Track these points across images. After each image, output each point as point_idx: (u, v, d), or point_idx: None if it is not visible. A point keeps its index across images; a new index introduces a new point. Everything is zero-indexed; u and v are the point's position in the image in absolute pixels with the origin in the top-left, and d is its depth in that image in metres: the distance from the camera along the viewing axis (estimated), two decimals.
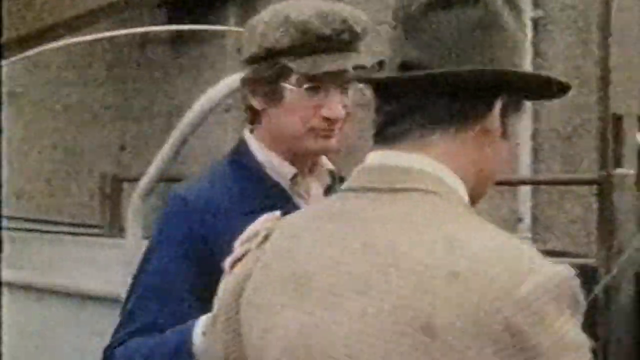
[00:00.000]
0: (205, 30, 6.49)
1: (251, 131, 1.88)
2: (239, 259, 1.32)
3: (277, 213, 1.34)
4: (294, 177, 1.83)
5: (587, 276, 3.64)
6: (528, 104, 6.01)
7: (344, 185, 1.22)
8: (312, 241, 1.16)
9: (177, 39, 7.04)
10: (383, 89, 1.19)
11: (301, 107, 1.77)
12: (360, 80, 1.33)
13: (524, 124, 5.77)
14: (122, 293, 3.18)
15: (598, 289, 3.51)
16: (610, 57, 4.47)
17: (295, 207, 1.78)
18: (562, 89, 1.20)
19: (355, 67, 1.46)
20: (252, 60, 1.78)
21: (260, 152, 1.84)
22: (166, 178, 3.21)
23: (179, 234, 1.77)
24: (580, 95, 5.70)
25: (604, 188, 3.62)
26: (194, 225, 1.76)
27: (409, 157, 1.14)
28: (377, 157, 1.18)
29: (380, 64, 1.21)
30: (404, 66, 1.15)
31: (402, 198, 1.12)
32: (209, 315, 1.59)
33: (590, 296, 3.51)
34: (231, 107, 5.93)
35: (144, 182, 3.03)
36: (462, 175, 1.16)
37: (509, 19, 1.16)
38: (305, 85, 1.75)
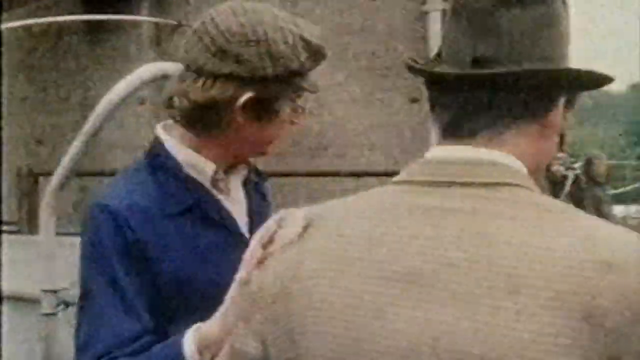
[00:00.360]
0: (121, 20, 6.44)
1: (164, 127, 1.86)
2: (263, 259, 1.27)
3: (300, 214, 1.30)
4: (215, 173, 1.83)
5: None
6: None
7: (403, 177, 1.22)
8: (406, 238, 1.13)
9: (94, 28, 6.96)
10: (449, 84, 1.20)
11: (287, 122, 1.82)
12: (425, 74, 1.25)
13: None
14: (39, 292, 3.19)
15: None
16: None
17: (217, 203, 1.84)
18: (602, 82, 1.24)
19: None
20: (261, 78, 1.71)
21: (179, 150, 1.82)
22: (81, 172, 3.16)
23: (115, 247, 1.71)
24: None
25: None
26: (126, 233, 1.71)
27: (489, 152, 1.16)
28: (452, 151, 1.19)
29: (439, 55, 1.25)
30: (476, 62, 1.17)
31: (501, 192, 1.12)
32: (196, 329, 1.63)
33: None
34: (146, 99, 5.93)
35: (56, 176, 2.98)
36: (526, 168, 1.19)
37: (564, 14, 1.22)
38: (299, 104, 1.80)
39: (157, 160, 1.82)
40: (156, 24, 6.48)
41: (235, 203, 1.89)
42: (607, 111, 59.31)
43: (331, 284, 1.14)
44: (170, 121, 1.85)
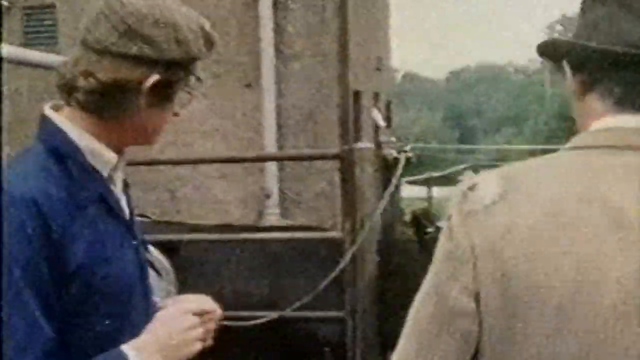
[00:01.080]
0: None
1: (54, 109, 1.75)
2: None
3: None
4: (117, 164, 1.78)
5: (334, 249, 3.74)
6: (272, 81, 6.05)
7: (587, 143, 1.36)
8: (611, 194, 1.28)
9: None
10: (622, 62, 1.34)
11: (174, 109, 1.80)
12: (599, 52, 1.37)
13: (268, 100, 5.84)
14: None
15: (345, 261, 3.61)
16: (349, 34, 4.58)
17: (115, 196, 1.78)
18: None
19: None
20: (167, 61, 1.71)
21: (79, 137, 1.73)
22: None
23: (28, 238, 1.60)
24: (321, 71, 5.85)
25: (345, 162, 3.72)
26: (37, 223, 1.61)
27: None
28: (631, 120, 1.34)
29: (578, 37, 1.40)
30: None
31: None
32: (132, 344, 1.65)
33: (338, 268, 3.61)
34: None
35: None
36: None
37: None
38: (193, 93, 1.80)
39: (55, 145, 1.72)
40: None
41: (120, 197, 1.83)
42: (429, 97, 61.36)
43: (550, 243, 1.27)
44: (57, 102, 1.76)
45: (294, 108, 5.96)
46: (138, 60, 1.68)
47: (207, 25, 1.78)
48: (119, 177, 1.83)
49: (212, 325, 1.79)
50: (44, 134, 1.74)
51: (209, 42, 1.79)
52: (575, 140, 1.38)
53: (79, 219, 1.68)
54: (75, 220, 1.67)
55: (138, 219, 1.88)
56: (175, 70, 1.73)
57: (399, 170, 3.83)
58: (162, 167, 5.64)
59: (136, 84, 1.69)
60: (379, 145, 3.96)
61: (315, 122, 5.90)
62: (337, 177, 5.12)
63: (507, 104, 51.34)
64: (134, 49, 1.68)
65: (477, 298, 1.32)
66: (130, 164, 5.09)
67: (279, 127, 5.93)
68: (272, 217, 5.88)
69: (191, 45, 1.73)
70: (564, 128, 32.46)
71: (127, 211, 1.84)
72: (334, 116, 5.63)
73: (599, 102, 1.38)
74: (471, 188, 1.36)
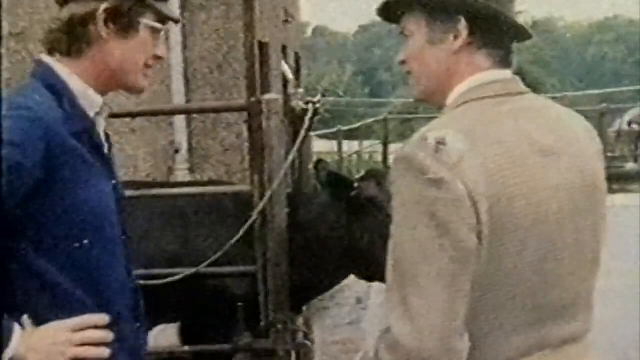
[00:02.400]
0: None
1: (57, 54, 1.96)
2: None
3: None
4: (102, 106, 2.00)
5: (243, 203, 3.71)
6: (178, 33, 5.92)
7: (486, 93, 1.72)
8: (529, 130, 1.69)
9: None
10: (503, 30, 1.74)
11: (148, 44, 2.00)
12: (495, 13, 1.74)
13: (175, 53, 5.72)
14: None
15: (254, 215, 3.58)
16: None
17: (98, 135, 1.99)
18: None
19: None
20: None
21: (72, 80, 1.95)
22: None
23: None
24: (227, 22, 5.75)
25: (253, 115, 3.66)
26: (43, 141, 1.80)
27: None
28: (508, 74, 1.77)
29: None
30: None
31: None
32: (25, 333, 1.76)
33: (248, 222, 3.57)
34: None
35: None
36: None
37: None
38: (159, 26, 2.00)
39: (52, 83, 1.93)
40: None
41: (103, 140, 2.03)
42: (339, 51, 61.35)
43: (511, 177, 1.61)
44: (80, 54, 1.97)
45: (202, 60, 5.86)
46: None
47: None
48: (101, 123, 2.01)
49: (95, 335, 1.86)
50: (40, 74, 1.95)
51: None
52: (477, 90, 1.72)
53: (68, 144, 1.85)
54: (66, 144, 1.85)
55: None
56: (129, 0, 1.93)
57: (307, 121, 3.79)
58: None
59: (91, 16, 1.91)
60: (287, 97, 3.89)
61: (222, 74, 5.82)
62: (245, 131, 5.08)
63: None
64: None
65: (479, 235, 1.57)
66: None
67: (187, 80, 5.83)
68: (182, 172, 5.80)
69: None
70: None
71: (107, 152, 2.03)
72: (241, 68, 5.55)
73: (488, 59, 1.73)
74: (441, 142, 1.58)
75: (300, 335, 3.79)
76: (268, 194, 3.55)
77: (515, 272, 1.62)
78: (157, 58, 2.03)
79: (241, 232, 3.53)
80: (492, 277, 1.61)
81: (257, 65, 4.04)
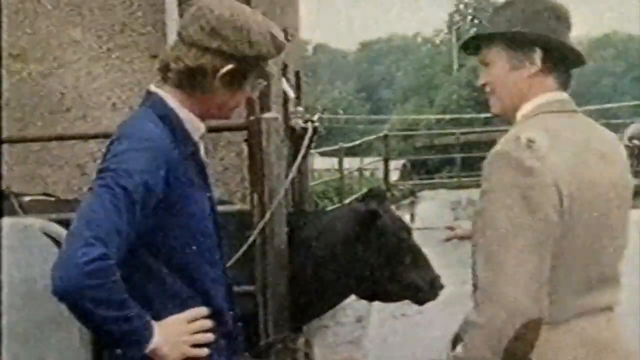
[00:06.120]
0: None
1: (156, 86, 2.31)
2: None
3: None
4: (204, 132, 2.36)
5: (243, 222, 3.70)
6: None
7: (553, 108, 2.18)
8: (585, 139, 2.15)
9: None
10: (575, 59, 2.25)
11: (248, 93, 2.36)
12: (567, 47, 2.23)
13: None
14: None
15: (254, 235, 3.57)
16: (252, 3, 4.50)
17: (201, 156, 2.36)
18: None
19: None
20: (241, 58, 2.26)
21: (179, 108, 2.29)
22: None
23: (143, 178, 2.10)
24: None
25: (252, 133, 3.67)
26: (162, 160, 2.16)
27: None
28: (565, 95, 2.23)
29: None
30: None
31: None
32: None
33: (247, 241, 3.56)
34: None
35: None
36: None
37: None
38: (263, 83, 2.36)
39: (164, 112, 2.26)
40: None
41: (204, 159, 2.40)
42: (341, 68, 61.43)
43: (581, 174, 2.07)
44: (158, 82, 2.32)
45: None
46: (217, 53, 2.23)
47: (275, 30, 2.30)
48: (202, 144, 2.38)
49: (205, 324, 2.23)
50: (152, 104, 2.28)
51: (277, 43, 2.30)
52: (547, 105, 2.18)
53: (181, 167, 2.21)
54: (179, 167, 2.20)
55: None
56: (246, 64, 2.26)
57: (307, 140, 3.79)
58: (71, 143, 5.50)
59: (213, 71, 2.24)
60: (287, 116, 3.90)
61: None
62: (245, 149, 5.06)
63: (416, 74, 51.89)
64: (214, 44, 2.23)
65: (560, 214, 2.01)
66: (39, 140, 4.91)
67: None
68: None
69: (260, 45, 2.26)
70: (473, 97, 33.00)
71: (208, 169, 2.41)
72: None
73: (554, 82, 2.20)
74: (531, 140, 2.02)
75: (301, 354, 3.78)
76: (268, 213, 3.55)
77: (578, 244, 2.06)
78: (249, 99, 2.49)
79: (241, 251, 3.52)
80: (562, 249, 2.03)
81: None
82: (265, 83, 2.39)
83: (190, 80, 2.26)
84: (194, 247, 2.25)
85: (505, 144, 2.06)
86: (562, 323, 2.09)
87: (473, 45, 2.32)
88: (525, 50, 2.18)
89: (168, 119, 2.26)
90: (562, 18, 2.22)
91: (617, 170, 2.18)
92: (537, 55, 2.17)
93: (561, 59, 2.20)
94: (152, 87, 2.32)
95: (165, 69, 2.29)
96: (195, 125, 2.32)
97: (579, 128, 2.16)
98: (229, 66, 2.24)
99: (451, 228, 3.00)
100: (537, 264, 1.99)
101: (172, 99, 2.29)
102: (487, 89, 2.28)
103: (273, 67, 2.39)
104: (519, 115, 2.21)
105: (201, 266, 2.29)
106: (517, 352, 2.00)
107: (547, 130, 2.08)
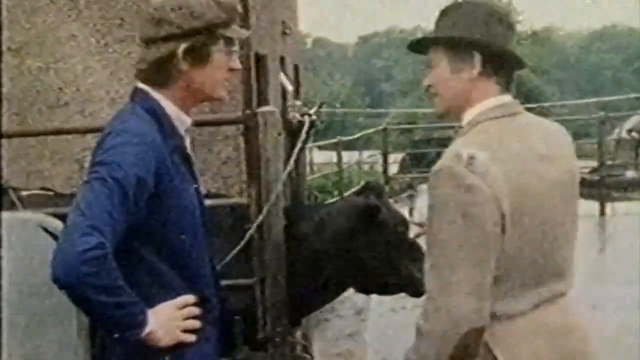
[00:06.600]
0: None
1: (149, 85, 2.37)
2: None
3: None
4: (190, 125, 2.45)
5: (241, 215, 3.70)
6: None
7: (496, 114, 2.24)
8: (531, 143, 2.22)
9: None
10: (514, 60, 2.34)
11: (222, 63, 2.39)
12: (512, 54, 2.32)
13: None
14: None
15: (252, 228, 3.57)
16: None
17: (187, 148, 2.44)
18: None
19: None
20: (191, 32, 2.32)
21: (166, 104, 2.37)
22: None
23: (134, 172, 2.17)
24: None
25: (249, 127, 3.66)
26: (151, 155, 2.23)
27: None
28: (509, 97, 2.30)
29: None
30: None
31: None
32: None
33: (245, 235, 3.56)
34: None
35: None
36: None
37: None
38: (227, 49, 2.39)
39: (152, 107, 2.34)
40: None
41: (190, 151, 2.47)
42: (340, 62, 61.36)
43: (523, 181, 2.14)
44: (171, 83, 2.37)
45: None
46: (168, 39, 2.31)
47: None
48: (187, 136, 2.44)
49: (193, 311, 2.35)
50: (140, 99, 2.36)
51: (223, 6, 2.35)
52: (489, 112, 2.25)
53: (169, 160, 2.28)
54: (168, 160, 2.27)
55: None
56: (201, 37, 2.32)
57: (303, 134, 3.79)
58: (69, 138, 5.49)
59: (172, 56, 2.31)
60: (285, 109, 3.89)
61: None
62: (242, 143, 5.07)
63: (415, 67, 51.79)
64: (162, 33, 2.31)
65: (502, 227, 2.09)
66: (38, 134, 4.93)
67: None
68: None
69: (206, 14, 2.32)
70: None
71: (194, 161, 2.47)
72: (238, 81, 5.55)
73: (495, 86, 2.27)
74: (472, 157, 2.09)
75: (299, 348, 3.78)
76: (265, 206, 3.55)
77: (526, 246, 2.15)
78: (232, 70, 2.43)
79: (240, 246, 3.53)
80: (513, 252, 2.13)
81: (253, 77, 4.03)
82: (237, 48, 2.44)
83: (160, 75, 2.35)
84: (182, 237, 2.33)
85: (448, 160, 2.13)
86: (520, 315, 2.19)
87: (420, 47, 2.40)
88: (465, 55, 2.26)
89: (155, 114, 2.34)
90: (504, 22, 2.29)
91: (559, 166, 2.25)
92: (477, 59, 2.24)
93: (501, 63, 2.27)
94: (139, 84, 2.40)
95: (139, 73, 2.39)
96: (181, 119, 2.40)
97: (519, 132, 2.23)
98: (183, 45, 2.32)
99: (420, 225, 3.09)
100: (478, 276, 2.09)
101: (156, 94, 2.37)
102: (432, 90, 2.35)
103: (240, 30, 2.43)
104: (464, 121, 2.29)
105: (190, 255, 2.37)
106: (460, 358, 2.09)
107: (489, 141, 2.17)
